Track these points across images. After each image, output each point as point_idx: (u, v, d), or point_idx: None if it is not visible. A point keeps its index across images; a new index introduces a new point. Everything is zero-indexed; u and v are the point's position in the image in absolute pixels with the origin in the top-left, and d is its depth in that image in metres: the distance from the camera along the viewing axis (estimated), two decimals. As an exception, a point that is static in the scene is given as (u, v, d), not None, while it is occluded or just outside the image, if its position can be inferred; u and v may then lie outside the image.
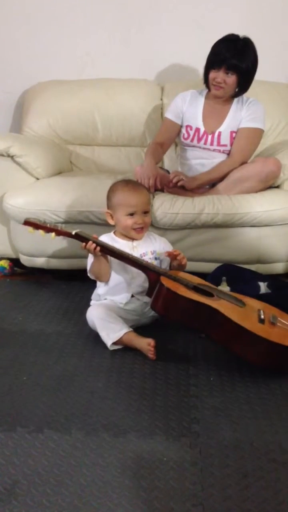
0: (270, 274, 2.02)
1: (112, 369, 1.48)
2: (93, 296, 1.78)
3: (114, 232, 1.72)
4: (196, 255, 2.00)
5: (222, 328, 1.44)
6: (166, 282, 1.48)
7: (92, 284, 1.87)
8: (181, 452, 1.14)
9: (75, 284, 2.15)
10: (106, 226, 1.98)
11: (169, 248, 1.72)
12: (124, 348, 1.59)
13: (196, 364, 1.52)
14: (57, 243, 2.05)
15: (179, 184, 2.05)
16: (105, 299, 1.72)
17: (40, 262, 2.14)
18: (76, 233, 1.58)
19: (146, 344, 1.53)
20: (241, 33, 2.03)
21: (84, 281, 2.12)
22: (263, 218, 1.95)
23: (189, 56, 2.63)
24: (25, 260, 2.17)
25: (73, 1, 2.62)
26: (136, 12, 2.62)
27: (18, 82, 2.73)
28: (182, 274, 1.61)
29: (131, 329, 1.59)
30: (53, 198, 2.00)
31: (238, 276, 1.87)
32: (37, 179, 2.21)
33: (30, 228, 1.59)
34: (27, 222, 1.60)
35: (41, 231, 1.58)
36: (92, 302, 1.77)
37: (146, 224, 1.66)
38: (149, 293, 1.57)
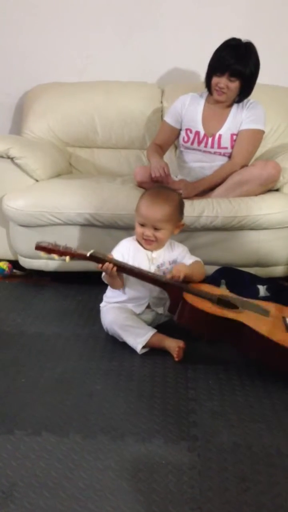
0: (269, 277, 2.02)
1: (111, 372, 1.48)
2: (104, 298, 1.75)
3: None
4: (195, 258, 1.99)
5: (250, 341, 1.43)
6: (189, 298, 1.47)
7: (91, 286, 1.87)
8: (179, 456, 1.13)
9: (73, 286, 2.14)
10: (105, 228, 1.99)
11: (186, 255, 1.69)
12: (123, 351, 1.59)
13: (194, 367, 1.51)
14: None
15: None
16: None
17: (39, 264, 2.13)
18: (91, 255, 1.54)
19: (176, 345, 1.53)
20: (242, 36, 2.04)
21: (83, 283, 2.13)
22: (262, 221, 1.95)
23: (190, 58, 2.64)
24: (24, 262, 2.17)
25: (73, 3, 2.63)
26: (136, 15, 2.62)
27: (18, 83, 2.74)
28: (203, 287, 1.59)
29: (155, 330, 1.59)
30: (52, 200, 2.00)
31: (237, 279, 1.87)
32: (37, 181, 2.21)
33: (42, 253, 1.56)
34: (39, 247, 1.56)
35: (54, 255, 1.55)
36: (103, 304, 1.74)
37: (157, 239, 1.59)
38: (171, 309, 1.56)
